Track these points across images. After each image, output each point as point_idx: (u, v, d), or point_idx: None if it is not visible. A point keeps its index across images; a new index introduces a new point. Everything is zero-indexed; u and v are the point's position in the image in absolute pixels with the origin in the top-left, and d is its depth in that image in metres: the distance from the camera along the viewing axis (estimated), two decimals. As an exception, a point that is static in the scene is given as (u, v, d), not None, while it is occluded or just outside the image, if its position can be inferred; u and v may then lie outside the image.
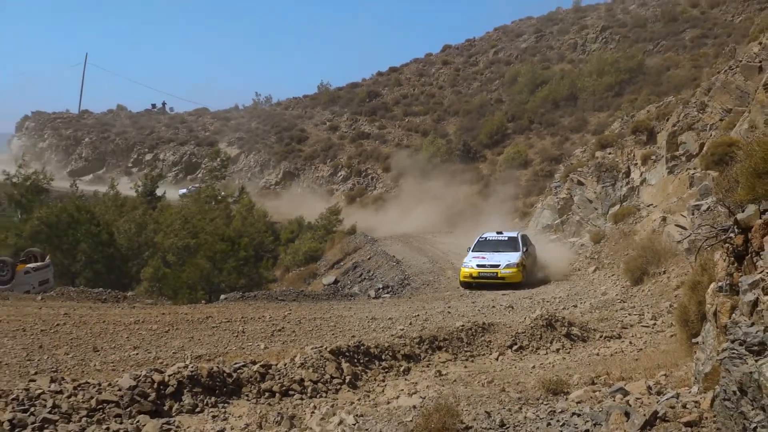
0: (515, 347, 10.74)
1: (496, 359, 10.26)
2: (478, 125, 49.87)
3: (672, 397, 6.06)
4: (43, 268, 22.81)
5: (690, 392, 6.27)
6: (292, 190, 54.14)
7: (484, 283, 19.53)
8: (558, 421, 6.35)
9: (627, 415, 5.76)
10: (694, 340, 7.60)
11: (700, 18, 52.68)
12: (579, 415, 6.28)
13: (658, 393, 6.81)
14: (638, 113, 28.49)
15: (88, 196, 40.51)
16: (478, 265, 19.74)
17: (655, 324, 12.29)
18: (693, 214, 15.13)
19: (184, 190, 46.97)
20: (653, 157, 22.54)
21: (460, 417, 6.53)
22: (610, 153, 25.69)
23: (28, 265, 22.14)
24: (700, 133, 19.97)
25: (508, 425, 6.49)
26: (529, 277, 20.11)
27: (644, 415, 5.59)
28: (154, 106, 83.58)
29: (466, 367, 9.78)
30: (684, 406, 5.65)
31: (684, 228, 15.58)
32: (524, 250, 20.50)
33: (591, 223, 24.68)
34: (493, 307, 15.26)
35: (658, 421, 5.46)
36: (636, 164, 23.64)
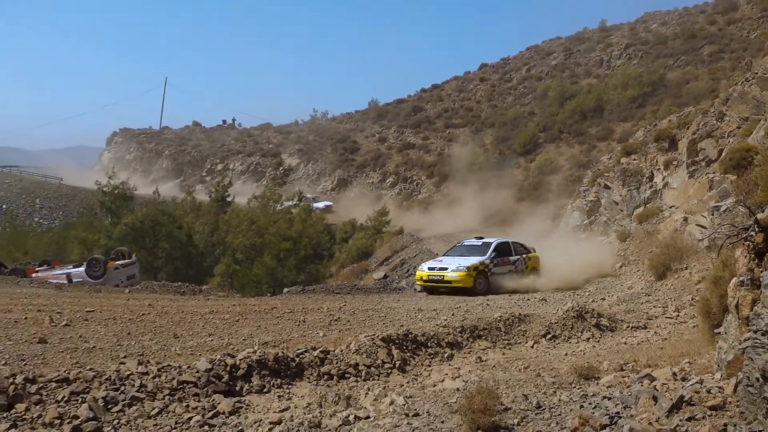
0: (549, 336, 10.56)
1: (532, 347, 10.10)
2: (512, 135, 49.54)
3: (696, 382, 5.89)
4: (130, 264, 23.42)
5: (713, 378, 6.08)
6: (345, 195, 54.47)
7: (433, 287, 17.42)
8: (590, 403, 6.23)
9: (654, 399, 5.62)
10: (716, 331, 7.37)
11: (718, 34, 51.31)
12: (610, 399, 6.15)
13: (683, 379, 6.62)
14: (660, 122, 27.84)
15: (168, 201, 41.40)
16: (429, 268, 17.74)
17: (678, 315, 11.97)
18: (712, 214, 14.71)
19: (324, 203, 48.03)
20: (675, 163, 22.01)
21: (500, 399, 6.46)
22: (634, 159, 25.17)
23: (117, 263, 22.74)
24: (719, 140, 19.40)
25: (543, 407, 6.39)
26: (499, 285, 17.42)
27: (671, 399, 5.44)
28: (224, 122, 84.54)
29: (504, 354, 9.66)
30: (708, 391, 5.48)
31: (704, 227, 15.17)
32: (493, 256, 17.94)
33: (617, 224, 24.20)
34: (528, 299, 15.07)
35: (684, 404, 5.31)
36: (659, 169, 23.11)
